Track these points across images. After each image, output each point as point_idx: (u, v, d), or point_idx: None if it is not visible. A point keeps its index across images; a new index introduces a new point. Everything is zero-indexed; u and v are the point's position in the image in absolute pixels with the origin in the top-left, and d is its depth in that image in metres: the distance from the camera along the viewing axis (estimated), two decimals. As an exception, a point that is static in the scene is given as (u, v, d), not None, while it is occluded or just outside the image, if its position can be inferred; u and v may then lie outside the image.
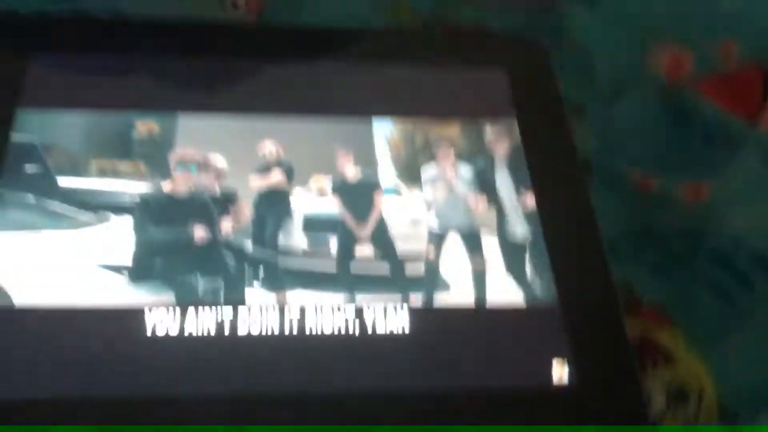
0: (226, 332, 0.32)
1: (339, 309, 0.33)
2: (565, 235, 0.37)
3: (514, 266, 0.36)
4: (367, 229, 0.37)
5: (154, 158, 0.37)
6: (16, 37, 0.39)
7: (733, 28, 0.46)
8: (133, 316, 0.32)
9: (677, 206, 0.38)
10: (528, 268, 0.36)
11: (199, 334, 0.32)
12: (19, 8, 0.42)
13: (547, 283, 0.35)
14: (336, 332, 0.33)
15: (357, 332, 0.33)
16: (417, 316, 0.33)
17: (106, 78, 0.38)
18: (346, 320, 0.33)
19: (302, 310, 0.33)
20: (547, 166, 0.39)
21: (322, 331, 0.33)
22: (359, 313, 0.33)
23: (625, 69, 0.44)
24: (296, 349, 0.32)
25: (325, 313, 0.33)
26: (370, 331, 0.33)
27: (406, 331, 0.33)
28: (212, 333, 0.32)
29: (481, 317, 0.34)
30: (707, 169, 0.38)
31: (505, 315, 0.34)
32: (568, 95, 0.43)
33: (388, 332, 0.33)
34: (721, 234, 0.36)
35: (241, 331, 0.32)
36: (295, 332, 0.32)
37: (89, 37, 0.40)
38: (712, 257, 0.36)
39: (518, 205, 0.37)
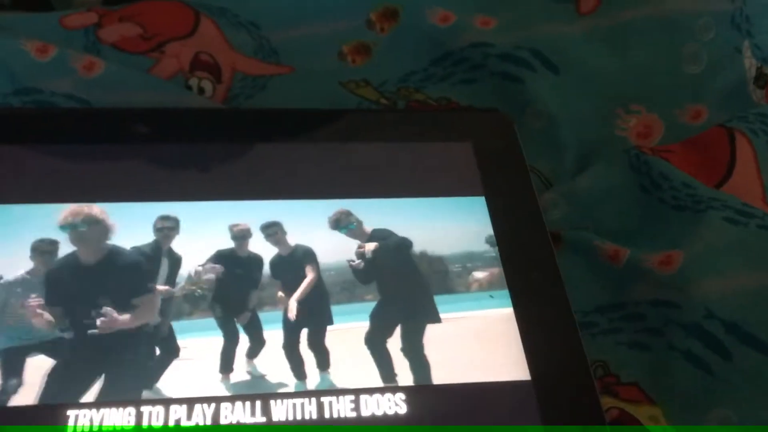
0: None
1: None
2: (537, 311, 0.36)
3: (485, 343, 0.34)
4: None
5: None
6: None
7: (700, 93, 0.46)
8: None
9: (649, 277, 0.36)
10: (499, 345, 0.34)
11: None
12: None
13: (520, 361, 0.34)
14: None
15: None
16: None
17: (70, 169, 0.38)
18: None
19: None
20: (515, 240, 0.38)
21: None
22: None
23: (593, 137, 0.44)
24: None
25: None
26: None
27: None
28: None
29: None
30: (677, 238, 0.37)
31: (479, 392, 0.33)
32: (536, 166, 0.43)
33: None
34: (695, 303, 0.35)
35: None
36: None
37: (52, 129, 0.40)
38: (688, 328, 0.35)
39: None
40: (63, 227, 0.35)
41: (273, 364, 0.33)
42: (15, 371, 0.31)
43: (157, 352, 0.33)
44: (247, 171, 0.39)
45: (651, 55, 0.46)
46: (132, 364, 0.33)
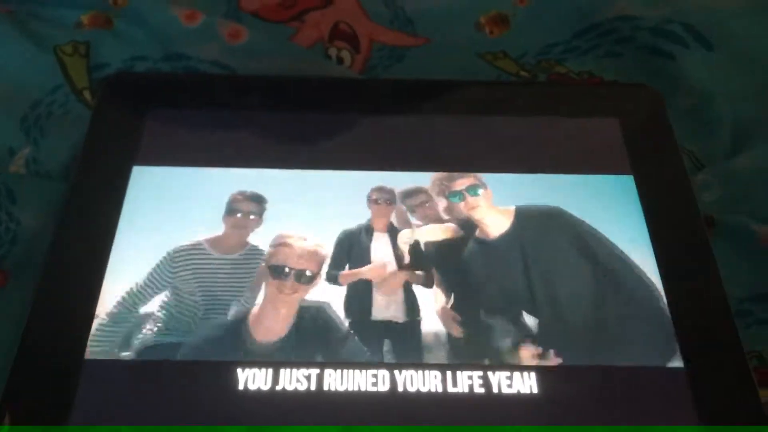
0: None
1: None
2: (690, 297, 0.34)
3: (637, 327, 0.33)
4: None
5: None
6: (133, 95, 0.40)
7: None
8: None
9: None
10: (650, 331, 0.33)
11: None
12: (134, 68, 0.43)
13: (672, 347, 0.33)
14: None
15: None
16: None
17: (219, 134, 0.39)
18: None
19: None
20: (666, 223, 0.37)
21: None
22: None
23: (751, 116, 0.42)
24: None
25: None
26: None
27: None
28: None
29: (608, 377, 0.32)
30: None
31: (632, 375, 0.32)
32: (686, 146, 0.41)
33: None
34: None
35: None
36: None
37: (203, 94, 0.41)
38: None
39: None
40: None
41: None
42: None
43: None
44: (391, 142, 0.39)
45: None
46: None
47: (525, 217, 0.37)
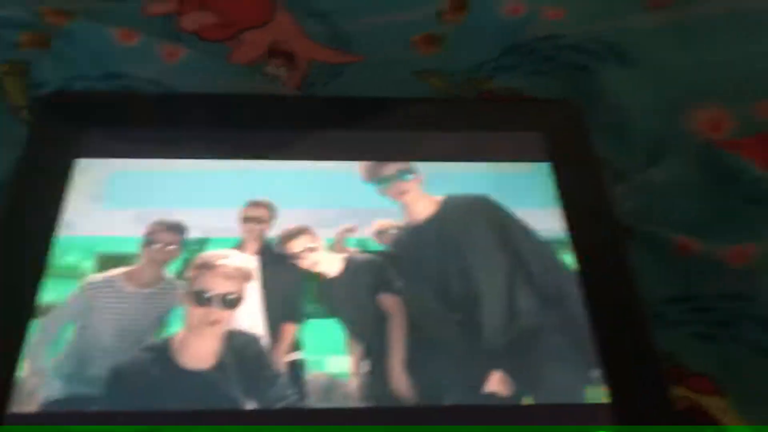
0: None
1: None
2: (607, 303, 0.36)
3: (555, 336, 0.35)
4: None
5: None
6: (70, 113, 0.41)
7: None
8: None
9: (721, 271, 0.37)
10: (568, 338, 0.35)
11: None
12: (72, 87, 0.44)
13: (590, 353, 0.34)
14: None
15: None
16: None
17: (155, 152, 0.40)
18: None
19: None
20: (586, 232, 0.39)
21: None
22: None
23: (664, 130, 0.44)
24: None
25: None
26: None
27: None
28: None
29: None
30: (751, 232, 0.37)
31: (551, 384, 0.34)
32: (606, 158, 0.44)
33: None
34: (767, 297, 0.35)
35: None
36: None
37: (140, 113, 0.41)
38: (759, 320, 0.35)
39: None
40: None
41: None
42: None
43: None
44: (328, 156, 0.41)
45: (724, 50, 0.46)
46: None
47: (451, 206, 0.39)
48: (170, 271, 0.36)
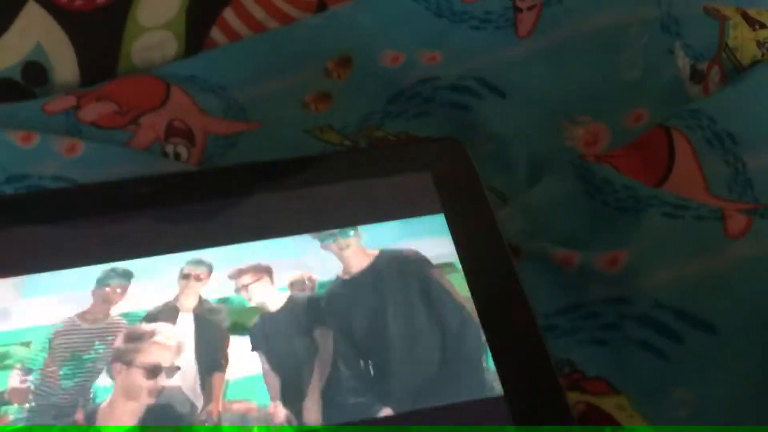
0: None
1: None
2: (500, 320, 0.39)
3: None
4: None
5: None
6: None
7: (640, 97, 0.49)
8: None
9: (599, 277, 0.39)
10: (466, 358, 0.37)
11: None
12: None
13: (487, 371, 0.36)
14: None
15: None
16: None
17: (65, 243, 0.42)
18: None
19: None
20: (476, 255, 0.41)
21: None
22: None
23: (542, 151, 0.47)
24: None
25: None
26: None
27: None
28: None
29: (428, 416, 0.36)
30: (621, 238, 0.40)
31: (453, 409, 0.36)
32: (492, 184, 0.46)
33: None
34: (643, 296, 0.38)
35: None
36: None
37: (44, 209, 0.43)
38: (640, 320, 0.38)
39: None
40: None
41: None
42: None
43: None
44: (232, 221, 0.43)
45: (589, 67, 0.49)
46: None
47: (382, 259, 0.41)
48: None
